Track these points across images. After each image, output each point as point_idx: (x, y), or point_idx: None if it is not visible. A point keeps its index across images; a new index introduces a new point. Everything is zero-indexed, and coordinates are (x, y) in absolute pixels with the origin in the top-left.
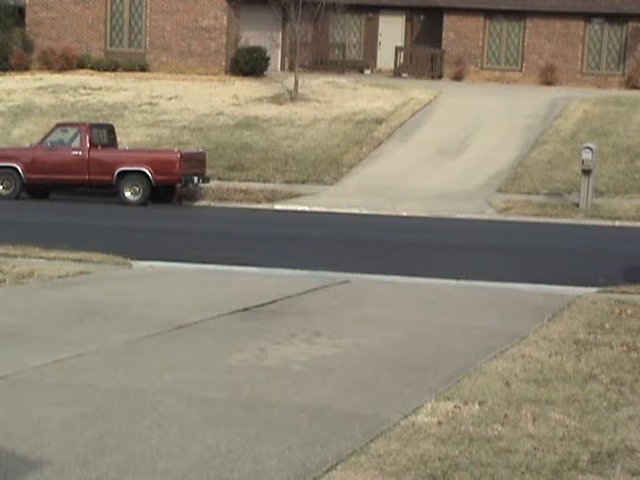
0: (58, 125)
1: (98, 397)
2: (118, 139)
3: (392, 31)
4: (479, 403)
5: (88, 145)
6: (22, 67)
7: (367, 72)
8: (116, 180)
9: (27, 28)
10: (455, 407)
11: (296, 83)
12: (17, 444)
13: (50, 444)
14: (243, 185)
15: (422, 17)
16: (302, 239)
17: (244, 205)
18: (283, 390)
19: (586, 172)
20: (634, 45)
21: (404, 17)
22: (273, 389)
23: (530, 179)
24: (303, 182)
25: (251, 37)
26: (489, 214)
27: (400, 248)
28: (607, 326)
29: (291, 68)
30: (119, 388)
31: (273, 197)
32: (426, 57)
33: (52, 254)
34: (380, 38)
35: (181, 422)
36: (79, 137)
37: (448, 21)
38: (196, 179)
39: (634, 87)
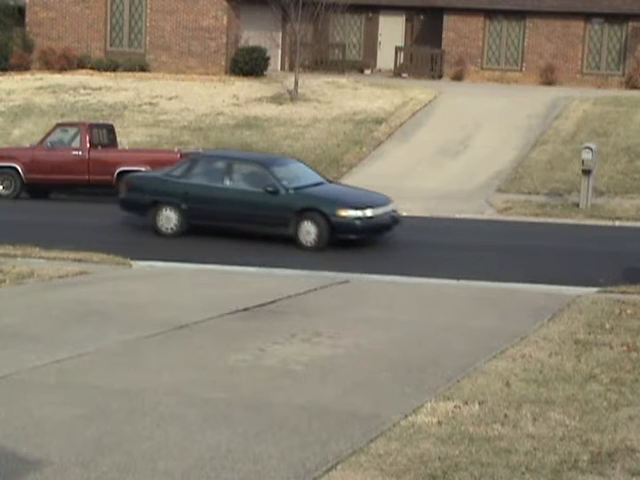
0: (58, 125)
1: (98, 397)
2: (118, 139)
3: (392, 31)
4: (479, 403)
5: (88, 145)
6: (22, 67)
7: (367, 72)
8: (116, 180)
9: (27, 28)
10: (455, 407)
11: (296, 83)
12: (17, 444)
13: (50, 444)
14: None
15: (422, 17)
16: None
17: None
18: (283, 390)
19: (586, 172)
20: (634, 45)
21: (404, 17)
22: (273, 389)
23: (530, 179)
24: None
25: (251, 37)
26: (489, 214)
27: (399, 248)
28: (607, 326)
29: (291, 68)
30: (119, 388)
31: None
32: (426, 57)
33: (52, 254)
34: (380, 38)
35: (181, 422)
36: (79, 137)
37: (448, 21)
38: None
39: (634, 87)
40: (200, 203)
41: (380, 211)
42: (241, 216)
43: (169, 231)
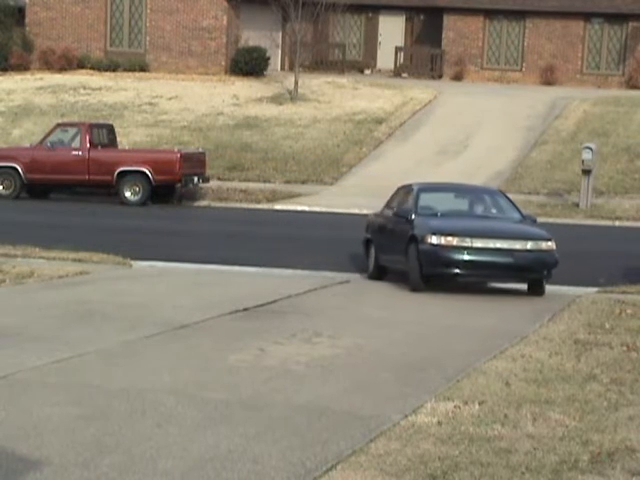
0: (58, 125)
1: (98, 397)
2: (118, 139)
3: (392, 31)
4: (479, 403)
5: (88, 145)
6: (22, 67)
7: (367, 72)
8: (116, 180)
9: (27, 28)
10: (455, 407)
11: (296, 83)
12: (17, 444)
13: (50, 444)
14: (243, 185)
15: (422, 17)
16: (302, 239)
17: (244, 205)
18: (283, 390)
19: (586, 172)
20: (634, 45)
21: (404, 17)
22: (273, 389)
23: (530, 179)
24: (303, 182)
25: (251, 37)
26: None
27: None
28: (607, 326)
29: (291, 68)
30: (119, 388)
31: (273, 197)
32: (426, 57)
33: (52, 254)
34: (380, 38)
35: (181, 422)
36: (79, 137)
37: (448, 21)
38: (196, 179)
39: (634, 87)
40: (376, 236)
41: (489, 245)
42: (385, 246)
43: (371, 275)
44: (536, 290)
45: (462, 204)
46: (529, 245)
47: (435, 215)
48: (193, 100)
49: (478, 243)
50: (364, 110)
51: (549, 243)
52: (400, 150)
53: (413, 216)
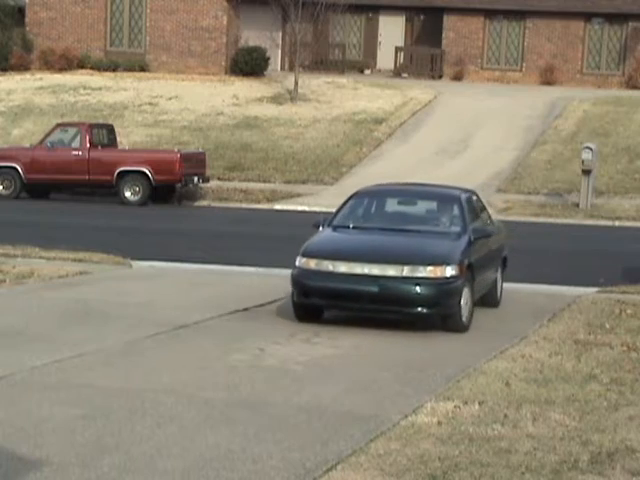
0: (58, 125)
1: (98, 397)
2: (118, 139)
3: (392, 31)
4: (479, 403)
5: (88, 145)
6: (22, 67)
7: (367, 72)
8: (116, 180)
9: (27, 28)
10: (455, 407)
11: (296, 83)
12: (17, 444)
13: (50, 444)
14: (243, 185)
15: (422, 17)
16: (302, 239)
17: (244, 205)
18: (283, 390)
19: (586, 172)
20: (634, 45)
21: (404, 17)
22: (273, 389)
23: (530, 179)
24: (303, 182)
25: (251, 37)
26: None
27: None
28: (607, 326)
29: (291, 68)
30: (119, 388)
31: (273, 197)
32: (426, 57)
33: (52, 254)
34: (380, 38)
35: (181, 422)
36: (79, 137)
37: (448, 21)
38: (196, 179)
39: (634, 87)
40: None
41: (355, 270)
42: None
43: None
44: (446, 324)
45: (398, 213)
46: (405, 271)
47: (346, 227)
48: (193, 100)
49: (342, 268)
50: (364, 110)
51: (439, 269)
52: (400, 150)
53: (321, 228)
